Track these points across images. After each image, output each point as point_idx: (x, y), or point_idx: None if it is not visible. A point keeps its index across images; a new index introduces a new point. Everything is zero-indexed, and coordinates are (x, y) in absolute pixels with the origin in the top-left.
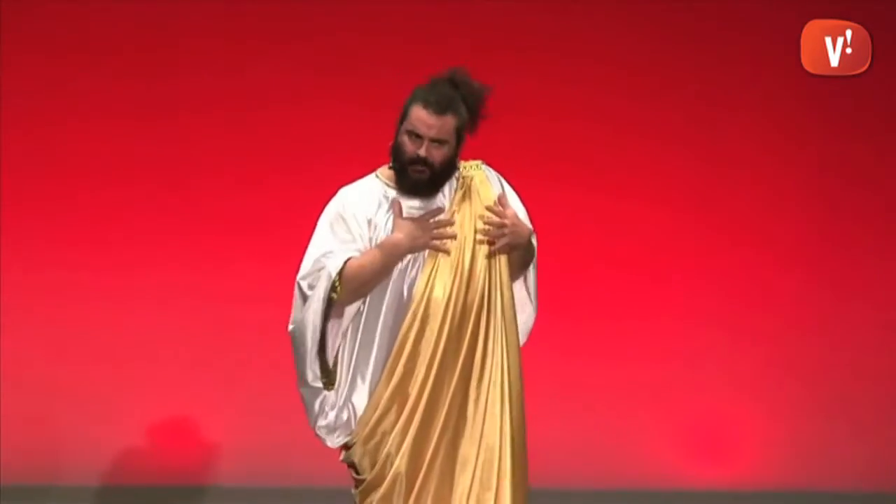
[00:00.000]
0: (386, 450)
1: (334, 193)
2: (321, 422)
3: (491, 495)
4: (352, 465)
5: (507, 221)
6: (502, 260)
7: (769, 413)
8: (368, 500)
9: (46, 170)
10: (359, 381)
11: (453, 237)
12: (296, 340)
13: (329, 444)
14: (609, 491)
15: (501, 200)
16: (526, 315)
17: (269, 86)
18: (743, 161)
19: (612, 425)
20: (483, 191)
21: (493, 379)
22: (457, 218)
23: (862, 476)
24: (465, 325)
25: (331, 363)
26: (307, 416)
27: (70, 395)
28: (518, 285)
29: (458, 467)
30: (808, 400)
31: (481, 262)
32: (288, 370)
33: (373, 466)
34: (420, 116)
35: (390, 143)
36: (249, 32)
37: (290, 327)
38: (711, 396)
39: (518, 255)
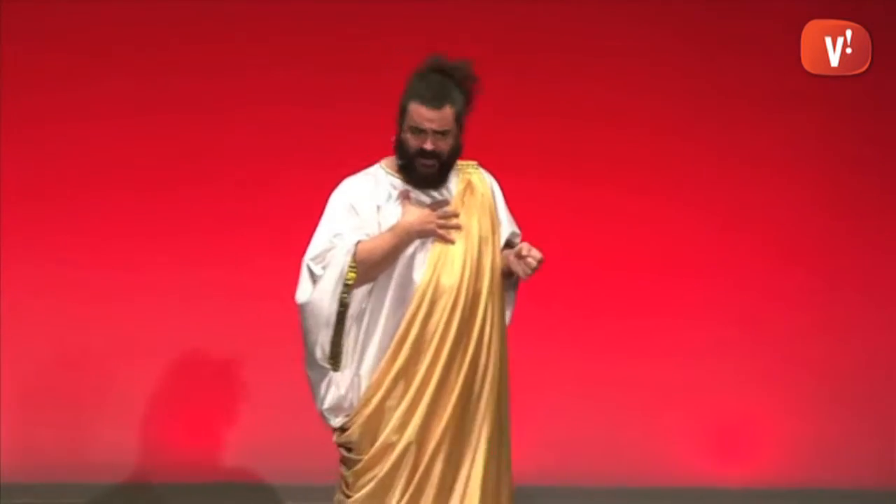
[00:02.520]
0: (389, 429)
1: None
2: (327, 403)
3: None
4: (347, 446)
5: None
6: (498, 257)
7: (790, 411)
8: (364, 479)
9: (54, 167)
10: (362, 363)
11: (459, 228)
12: (309, 320)
13: (333, 424)
14: (628, 488)
15: (522, 246)
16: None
17: (281, 84)
18: (759, 158)
19: (631, 423)
20: (479, 188)
21: (493, 373)
22: (461, 211)
23: (883, 473)
24: (475, 313)
25: (342, 345)
26: (313, 396)
27: (74, 393)
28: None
29: (463, 456)
30: (829, 397)
31: (488, 256)
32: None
33: (372, 445)
34: (420, 112)
35: (392, 139)
36: (261, 30)
37: (302, 305)
38: (732, 394)
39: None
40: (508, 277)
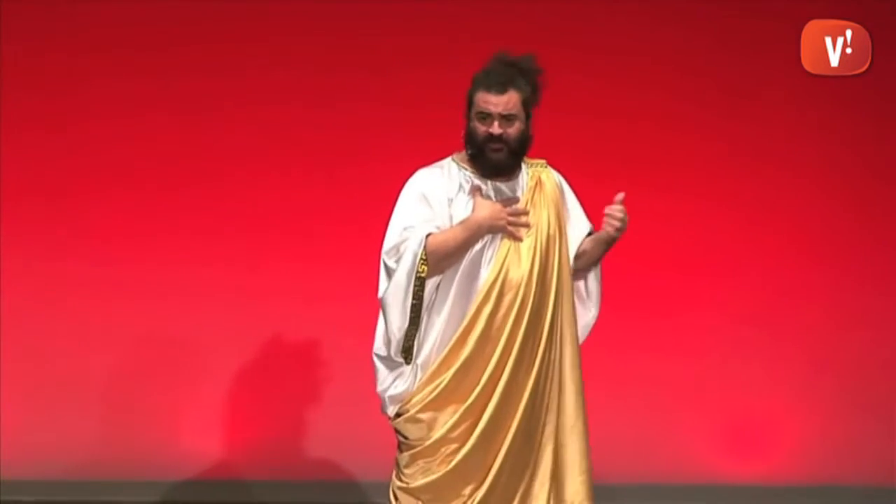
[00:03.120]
0: (450, 424)
1: (393, 188)
2: (391, 392)
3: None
4: (402, 432)
5: (626, 217)
6: (565, 254)
7: (804, 408)
8: (417, 466)
9: (54, 167)
10: (420, 353)
11: (528, 226)
12: (386, 313)
13: (389, 413)
14: (644, 485)
15: (618, 198)
16: (589, 314)
17: (295, 85)
18: (760, 157)
19: (647, 420)
20: (548, 186)
21: (565, 371)
22: (531, 208)
23: None
24: (544, 310)
25: (415, 339)
26: (378, 383)
27: (75, 391)
28: (580, 283)
29: (529, 457)
30: (843, 395)
31: (556, 252)
32: (312, 367)
33: (428, 433)
34: (485, 98)
35: (462, 134)
36: (260, 30)
37: (380, 300)
38: (747, 391)
39: (599, 252)
40: (591, 267)
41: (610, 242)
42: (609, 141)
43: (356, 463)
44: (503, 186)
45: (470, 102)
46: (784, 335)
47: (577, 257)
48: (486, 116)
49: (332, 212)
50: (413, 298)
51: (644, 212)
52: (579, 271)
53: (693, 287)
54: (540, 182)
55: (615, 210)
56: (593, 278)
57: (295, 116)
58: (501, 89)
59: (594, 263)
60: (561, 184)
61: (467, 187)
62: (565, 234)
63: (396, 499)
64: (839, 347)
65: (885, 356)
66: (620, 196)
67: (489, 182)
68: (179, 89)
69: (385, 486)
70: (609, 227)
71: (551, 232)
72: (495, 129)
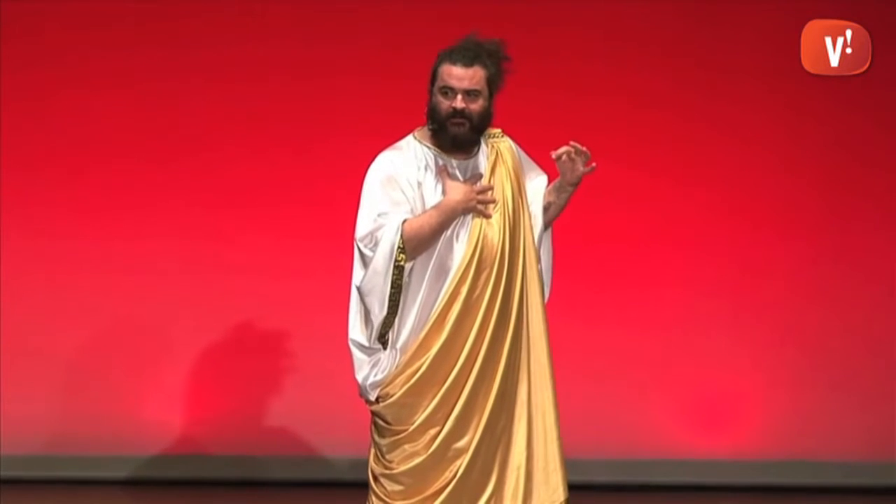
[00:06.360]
0: (431, 408)
1: (359, 165)
2: (371, 379)
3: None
4: (383, 417)
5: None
6: (528, 223)
7: (771, 382)
8: (401, 452)
9: (49, 140)
10: (399, 337)
11: (495, 202)
12: (364, 301)
13: (370, 398)
14: (609, 460)
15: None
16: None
17: (272, 58)
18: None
19: (613, 394)
20: (507, 157)
21: (522, 346)
22: (494, 182)
23: (863, 445)
24: (514, 284)
25: (392, 326)
26: (357, 371)
27: (69, 364)
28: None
29: (503, 432)
30: (809, 369)
31: (521, 223)
32: (277, 342)
33: (410, 418)
34: (450, 72)
35: (425, 110)
36: (248, 2)
37: (357, 288)
38: (713, 366)
39: (565, 199)
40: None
41: (573, 184)
42: (599, 120)
43: (321, 438)
44: (467, 164)
45: (434, 76)
46: (749, 309)
47: (545, 210)
48: (449, 91)
49: (299, 188)
50: (391, 287)
51: (614, 186)
52: (547, 226)
53: (660, 260)
54: (500, 154)
55: (559, 152)
56: (547, 238)
57: (267, 90)
58: (468, 63)
59: (561, 210)
60: (516, 150)
61: (433, 166)
62: (527, 201)
63: (379, 483)
64: (803, 321)
65: (851, 329)
66: (563, 148)
67: (453, 161)
68: (147, 63)
69: (350, 462)
70: (562, 167)
71: (515, 204)
72: (458, 103)
